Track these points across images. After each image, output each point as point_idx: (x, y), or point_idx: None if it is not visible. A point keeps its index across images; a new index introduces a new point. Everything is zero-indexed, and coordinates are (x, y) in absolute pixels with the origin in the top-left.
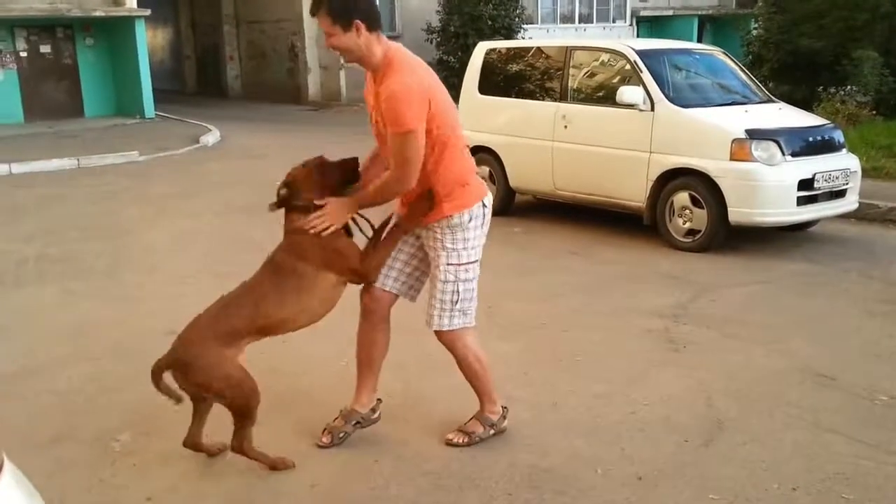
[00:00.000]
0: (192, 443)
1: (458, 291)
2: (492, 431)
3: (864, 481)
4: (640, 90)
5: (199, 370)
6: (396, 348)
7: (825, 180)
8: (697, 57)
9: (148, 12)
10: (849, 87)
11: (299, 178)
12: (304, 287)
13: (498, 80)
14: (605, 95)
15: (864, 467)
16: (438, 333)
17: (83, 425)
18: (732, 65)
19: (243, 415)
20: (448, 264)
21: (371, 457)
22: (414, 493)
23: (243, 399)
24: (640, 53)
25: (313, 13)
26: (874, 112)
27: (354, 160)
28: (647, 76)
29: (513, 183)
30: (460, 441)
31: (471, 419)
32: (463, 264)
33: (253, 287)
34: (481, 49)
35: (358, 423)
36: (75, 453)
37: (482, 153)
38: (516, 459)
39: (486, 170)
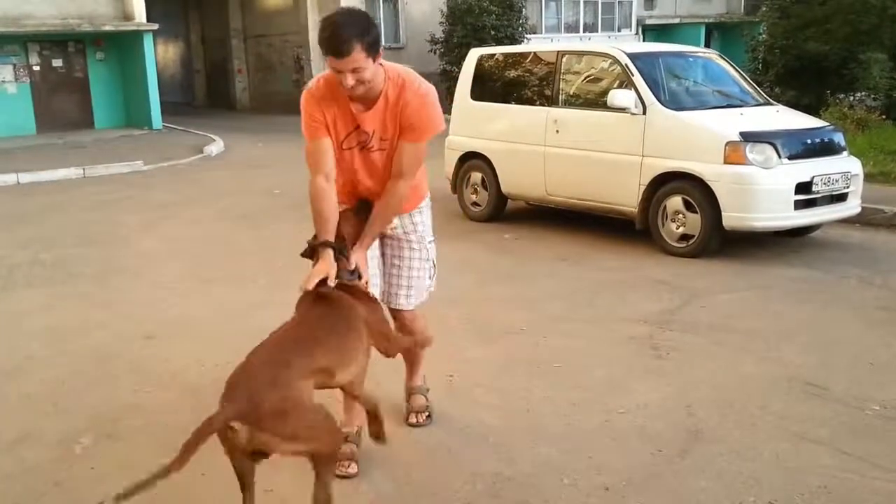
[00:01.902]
0: None
1: (434, 266)
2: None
3: (847, 496)
4: (631, 93)
5: (290, 417)
6: None
7: (824, 184)
8: (691, 60)
9: (156, 27)
10: (858, 92)
11: (352, 231)
12: (358, 345)
13: (490, 87)
14: (596, 99)
15: (849, 481)
16: (410, 313)
17: (49, 427)
18: (728, 67)
19: (330, 460)
20: (430, 242)
21: None
22: (369, 502)
23: (332, 442)
24: (632, 56)
25: (345, 53)
26: (884, 116)
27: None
28: (638, 79)
29: (505, 189)
30: (423, 420)
31: (413, 395)
32: (434, 238)
33: (324, 326)
34: (473, 55)
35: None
36: (38, 455)
37: (474, 159)
38: (480, 467)
39: None
